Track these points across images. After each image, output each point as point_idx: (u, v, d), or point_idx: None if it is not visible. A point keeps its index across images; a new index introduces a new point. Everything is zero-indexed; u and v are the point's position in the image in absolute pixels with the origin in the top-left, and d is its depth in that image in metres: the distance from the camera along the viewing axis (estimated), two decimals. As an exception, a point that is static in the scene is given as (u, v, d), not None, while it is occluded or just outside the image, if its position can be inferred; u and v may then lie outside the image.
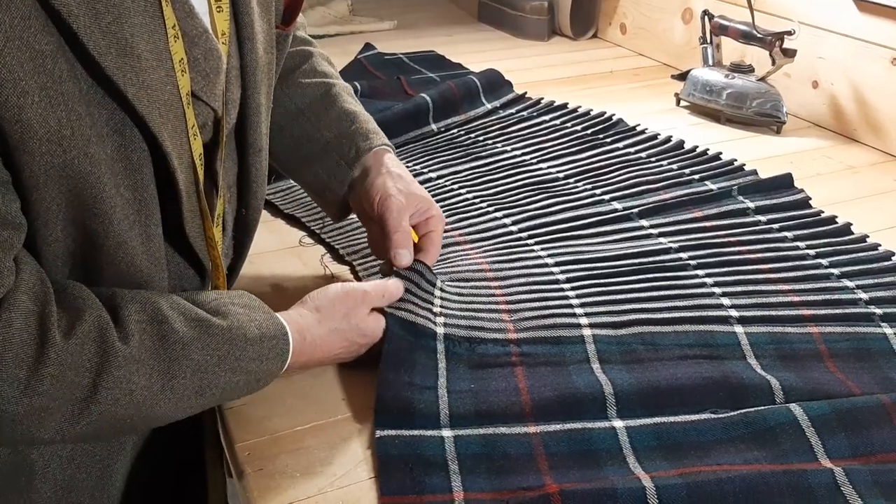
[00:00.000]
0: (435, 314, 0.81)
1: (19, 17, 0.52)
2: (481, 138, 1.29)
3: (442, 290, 0.85)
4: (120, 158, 0.60)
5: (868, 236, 0.99)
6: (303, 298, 0.75)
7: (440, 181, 1.15)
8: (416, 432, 0.69)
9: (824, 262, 0.93)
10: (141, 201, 0.63)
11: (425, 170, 1.18)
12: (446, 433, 0.69)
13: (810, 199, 1.08)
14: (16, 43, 0.52)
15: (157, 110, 0.61)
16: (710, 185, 1.11)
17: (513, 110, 1.39)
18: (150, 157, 0.62)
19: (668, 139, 1.26)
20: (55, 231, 0.60)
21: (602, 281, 0.90)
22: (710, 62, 1.44)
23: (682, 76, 1.47)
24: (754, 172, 1.15)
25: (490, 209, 1.07)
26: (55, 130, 0.55)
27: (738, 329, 0.81)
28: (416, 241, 0.84)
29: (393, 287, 0.78)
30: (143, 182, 0.63)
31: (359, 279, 0.92)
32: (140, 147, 0.61)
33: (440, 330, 0.79)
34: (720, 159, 1.19)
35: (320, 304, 0.73)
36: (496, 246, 0.98)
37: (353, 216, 0.91)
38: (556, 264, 0.93)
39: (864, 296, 0.87)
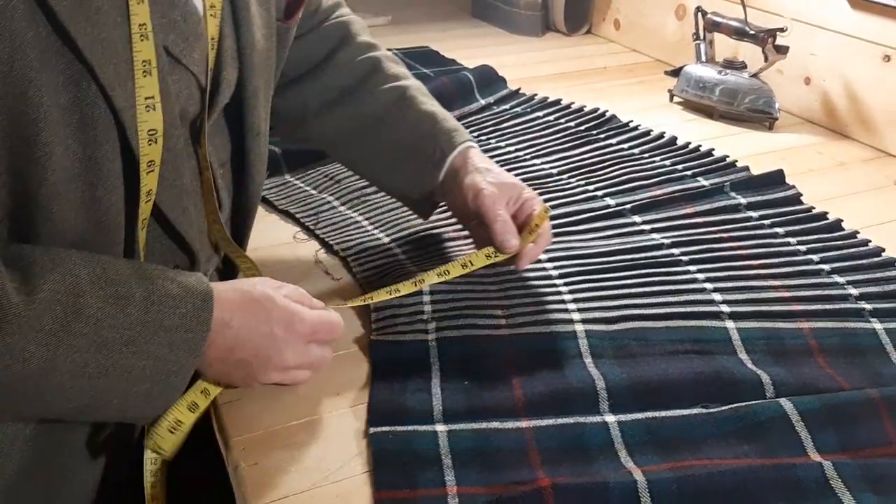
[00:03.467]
0: (426, 321, 0.82)
1: None
2: (475, 134, 1.29)
3: (432, 291, 0.86)
4: (74, 111, 0.59)
5: (859, 232, 1.00)
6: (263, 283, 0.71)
7: (434, 177, 1.15)
8: (409, 428, 0.69)
9: (815, 257, 0.94)
10: (90, 158, 0.61)
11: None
12: (439, 428, 0.69)
13: (801, 195, 1.09)
14: None
15: (114, 66, 0.59)
16: (703, 182, 1.11)
17: (506, 106, 1.39)
18: (110, 116, 0.60)
19: (661, 135, 1.26)
20: None
21: (594, 277, 0.90)
22: (704, 58, 1.45)
23: (676, 72, 1.48)
24: (746, 169, 1.15)
25: (483, 205, 1.07)
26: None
27: (730, 324, 0.82)
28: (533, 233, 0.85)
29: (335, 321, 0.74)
30: (97, 140, 0.60)
31: (353, 274, 0.92)
32: (96, 103, 0.59)
33: (432, 336, 0.80)
34: (713, 155, 1.20)
35: (251, 307, 0.69)
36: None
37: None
38: (549, 260, 0.94)
39: (854, 291, 0.87)
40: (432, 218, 1.02)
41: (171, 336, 0.63)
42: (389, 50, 1.68)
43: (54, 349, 0.58)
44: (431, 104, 0.93)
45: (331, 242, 0.99)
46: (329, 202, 1.09)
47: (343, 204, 1.08)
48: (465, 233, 1.00)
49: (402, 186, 0.92)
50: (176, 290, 0.64)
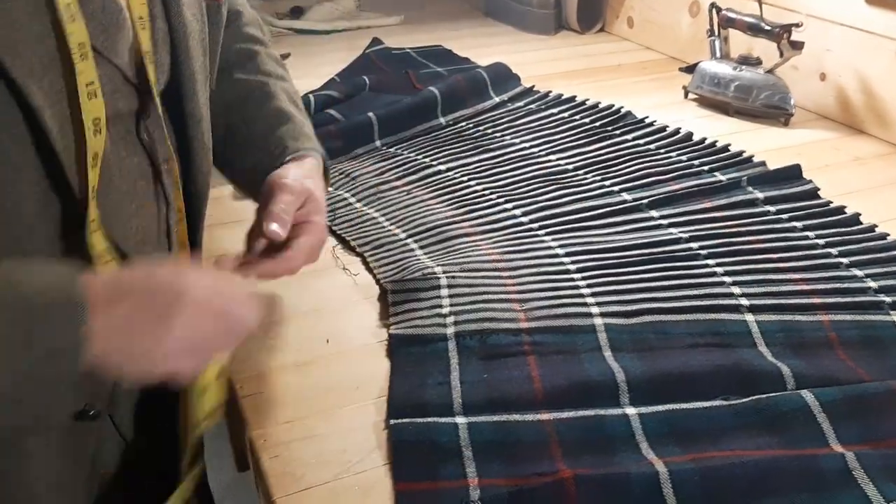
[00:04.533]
0: (444, 315, 0.82)
1: None
2: (489, 131, 1.29)
3: (451, 285, 0.86)
4: None
5: (876, 226, 1.00)
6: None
7: (449, 174, 1.16)
8: (429, 420, 0.70)
9: (833, 251, 0.94)
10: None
11: (434, 162, 1.19)
12: (460, 420, 0.70)
13: (818, 189, 1.08)
14: None
15: (26, 59, 0.54)
16: (720, 176, 1.11)
17: (521, 103, 1.39)
18: (16, 111, 0.54)
19: (677, 131, 1.26)
20: None
21: (613, 271, 0.90)
22: (718, 55, 1.44)
23: (690, 69, 1.47)
24: (763, 164, 1.15)
25: (500, 200, 1.07)
26: None
27: (749, 317, 0.82)
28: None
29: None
30: None
31: (370, 270, 0.93)
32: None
33: (451, 330, 0.80)
34: (729, 150, 1.20)
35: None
36: (506, 237, 0.98)
37: None
38: (567, 255, 0.94)
39: (873, 284, 0.87)
40: (448, 213, 1.02)
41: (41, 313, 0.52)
42: (402, 49, 1.71)
43: None
44: (293, 107, 0.87)
45: (347, 238, 0.99)
46: (345, 199, 1.09)
47: (359, 200, 1.09)
48: (482, 228, 1.00)
49: (241, 175, 0.84)
50: (35, 279, 0.54)
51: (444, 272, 0.88)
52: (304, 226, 0.73)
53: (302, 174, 0.77)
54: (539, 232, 0.99)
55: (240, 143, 0.82)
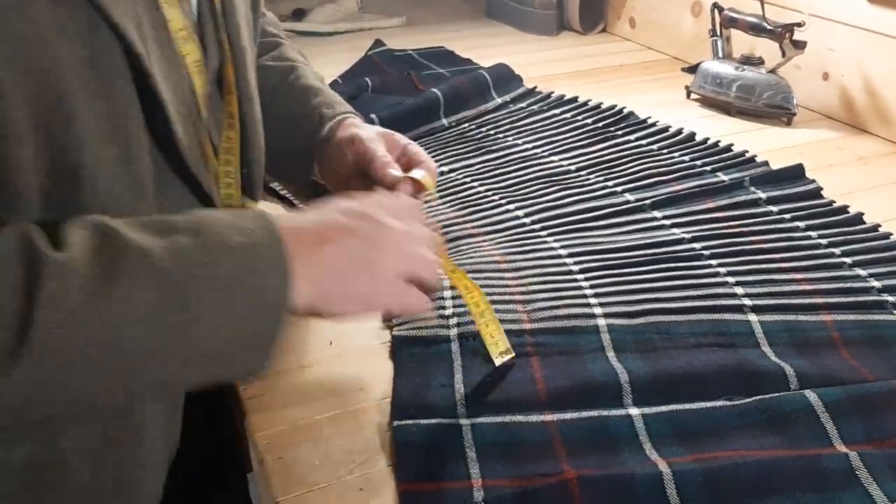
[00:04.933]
0: (447, 317, 0.82)
1: None
2: (492, 132, 1.29)
3: (453, 287, 0.86)
4: (90, 62, 0.52)
5: (880, 225, 1.00)
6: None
7: (452, 175, 1.16)
8: (433, 421, 0.70)
9: (837, 251, 0.94)
10: (114, 113, 0.54)
11: (437, 164, 1.19)
12: (463, 421, 0.70)
13: (821, 189, 1.08)
14: None
15: (131, 13, 0.54)
16: (722, 177, 1.11)
17: (523, 104, 1.39)
18: (128, 73, 0.54)
19: (679, 131, 1.26)
20: (27, 151, 0.50)
21: (616, 271, 0.90)
22: (720, 55, 1.44)
23: (692, 69, 1.48)
24: (766, 164, 1.15)
25: (502, 202, 1.07)
26: (12, 26, 0.47)
27: (752, 317, 0.82)
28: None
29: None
30: (117, 92, 0.54)
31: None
32: (113, 51, 0.53)
33: (454, 331, 0.80)
34: (731, 151, 1.20)
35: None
36: (509, 238, 0.99)
37: None
38: (570, 255, 0.94)
39: (876, 284, 0.87)
40: (450, 214, 1.02)
41: (241, 255, 0.52)
42: (404, 51, 1.71)
43: (107, 296, 0.47)
44: (321, 83, 0.90)
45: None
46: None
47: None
48: (485, 229, 1.00)
49: (282, 155, 0.83)
50: (224, 216, 0.55)
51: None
52: (407, 150, 0.78)
53: (358, 129, 0.78)
54: (542, 233, 0.99)
55: (277, 124, 0.82)
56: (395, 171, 0.73)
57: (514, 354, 0.76)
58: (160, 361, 0.51)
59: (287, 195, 1.06)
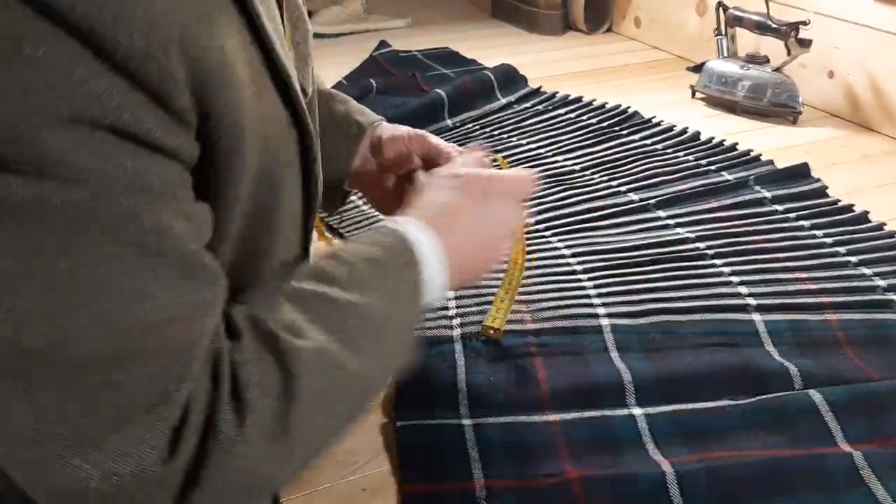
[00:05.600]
0: (451, 317, 0.82)
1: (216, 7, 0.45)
2: (496, 132, 1.29)
3: (456, 291, 0.86)
4: (289, 133, 0.55)
5: (885, 224, 0.99)
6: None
7: (456, 175, 1.16)
8: (436, 421, 0.70)
9: (842, 250, 0.93)
10: (273, 172, 0.55)
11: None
12: (466, 422, 0.70)
13: (827, 188, 1.08)
14: (232, 30, 0.45)
15: (299, 90, 0.55)
16: (727, 176, 1.11)
17: (528, 104, 1.39)
18: (295, 131, 0.56)
19: (684, 131, 1.26)
20: (225, 245, 0.51)
21: (619, 271, 0.90)
22: (726, 54, 1.44)
23: (698, 68, 1.47)
24: (771, 163, 1.15)
25: (506, 202, 1.07)
26: (261, 130, 0.49)
27: (756, 317, 0.82)
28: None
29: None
30: (292, 157, 0.57)
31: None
32: (296, 141, 0.56)
33: (457, 332, 0.80)
34: (736, 150, 1.19)
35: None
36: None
37: None
38: (574, 255, 0.94)
39: (881, 283, 0.87)
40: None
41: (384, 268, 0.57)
42: (409, 51, 1.71)
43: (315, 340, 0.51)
44: (345, 98, 0.89)
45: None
46: (352, 201, 1.10)
47: (365, 203, 1.09)
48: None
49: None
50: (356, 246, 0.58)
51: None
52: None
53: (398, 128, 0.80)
54: (545, 233, 0.99)
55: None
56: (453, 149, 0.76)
57: (500, 339, 0.79)
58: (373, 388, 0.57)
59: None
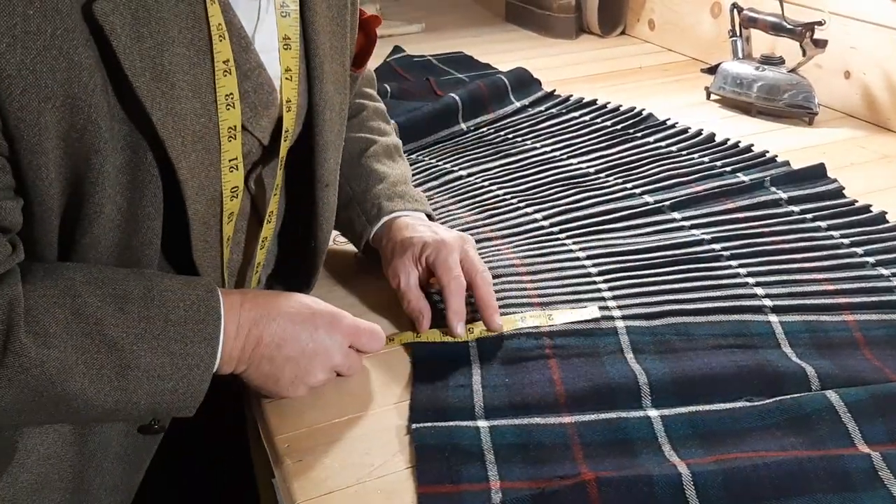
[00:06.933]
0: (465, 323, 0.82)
1: (63, 28, 0.54)
2: (511, 136, 1.29)
3: (471, 294, 0.86)
4: (126, 172, 0.62)
5: (904, 224, 0.99)
6: (288, 293, 0.73)
7: (470, 178, 1.16)
8: (451, 423, 0.70)
9: (859, 250, 0.93)
10: (133, 217, 0.64)
11: (455, 168, 1.19)
12: (481, 424, 0.70)
13: (844, 188, 1.07)
14: (53, 52, 0.54)
15: (182, 138, 0.62)
16: (743, 177, 1.10)
17: (542, 108, 1.39)
18: (158, 181, 0.64)
19: (699, 132, 1.26)
20: (49, 218, 0.61)
21: (634, 273, 0.90)
22: (740, 55, 1.43)
23: (712, 70, 1.47)
24: (787, 164, 1.14)
25: (520, 205, 1.07)
26: (66, 134, 0.57)
27: (773, 318, 0.81)
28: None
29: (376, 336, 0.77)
30: (142, 201, 0.64)
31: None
32: (149, 169, 0.63)
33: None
34: (752, 151, 1.19)
35: (295, 306, 0.71)
36: (528, 241, 0.99)
37: None
38: (588, 258, 0.93)
39: (900, 283, 0.86)
40: (469, 218, 1.03)
41: (182, 329, 0.64)
42: (423, 57, 1.71)
43: (63, 350, 0.59)
44: (391, 166, 0.93)
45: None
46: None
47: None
48: (504, 233, 1.00)
49: (339, 226, 0.92)
50: (176, 285, 0.65)
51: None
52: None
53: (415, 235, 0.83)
54: (560, 235, 0.99)
55: (341, 198, 0.87)
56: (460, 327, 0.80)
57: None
58: (105, 412, 0.63)
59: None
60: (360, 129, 0.95)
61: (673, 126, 1.29)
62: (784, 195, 1.05)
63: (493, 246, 0.97)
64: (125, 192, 0.63)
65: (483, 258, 0.94)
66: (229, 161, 0.68)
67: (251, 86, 0.68)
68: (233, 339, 0.67)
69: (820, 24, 1.31)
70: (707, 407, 0.71)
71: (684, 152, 1.20)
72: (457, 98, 1.34)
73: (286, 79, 0.71)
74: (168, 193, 0.65)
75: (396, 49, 1.78)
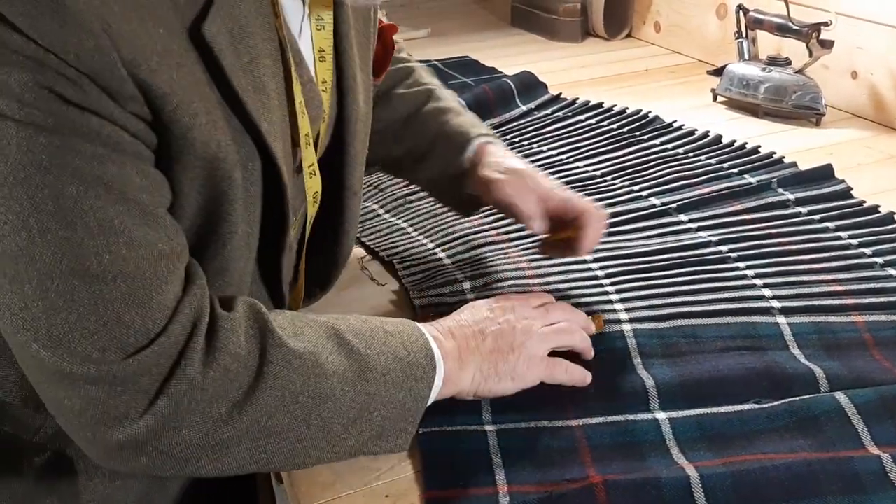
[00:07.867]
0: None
1: (183, 48, 0.55)
2: (517, 140, 1.29)
3: (477, 299, 0.85)
4: (244, 188, 0.62)
5: (912, 225, 0.98)
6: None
7: (477, 183, 1.16)
8: (458, 427, 0.70)
9: (867, 251, 0.92)
10: (249, 234, 0.65)
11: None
12: (489, 427, 0.70)
13: (851, 189, 1.07)
14: (185, 69, 0.55)
15: (280, 147, 0.64)
16: (750, 179, 1.10)
17: (548, 111, 1.39)
18: (261, 193, 0.64)
19: (706, 134, 1.25)
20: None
21: (641, 276, 0.90)
22: (747, 56, 1.43)
23: (719, 72, 1.46)
24: (794, 165, 1.14)
25: (527, 208, 1.07)
26: (213, 153, 0.58)
27: (781, 320, 0.81)
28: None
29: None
30: (254, 217, 0.65)
31: (399, 279, 0.93)
32: (257, 181, 0.63)
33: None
34: (759, 152, 1.19)
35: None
36: (534, 244, 0.98)
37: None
38: (595, 260, 0.93)
39: (909, 284, 0.86)
40: (475, 220, 1.02)
41: (403, 339, 0.67)
42: (429, 61, 1.71)
43: (314, 343, 0.62)
44: (457, 104, 0.95)
45: (376, 249, 1.00)
46: (373, 210, 1.10)
47: (387, 212, 1.09)
48: (510, 236, 1.00)
49: (431, 179, 0.93)
50: (390, 327, 0.68)
51: (472, 287, 0.88)
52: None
53: (492, 169, 0.85)
54: (567, 238, 0.99)
55: (423, 149, 0.90)
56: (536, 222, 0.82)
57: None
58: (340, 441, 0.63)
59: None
60: (416, 84, 0.96)
61: (680, 128, 1.29)
62: (792, 196, 1.05)
63: (499, 249, 0.97)
64: (245, 211, 0.63)
65: (490, 261, 0.94)
66: (308, 167, 0.69)
67: (307, 97, 0.69)
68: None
69: (826, 24, 1.30)
70: (715, 409, 0.71)
71: (691, 154, 1.20)
72: (463, 102, 1.34)
73: (322, 90, 0.71)
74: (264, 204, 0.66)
75: (402, 54, 1.78)
